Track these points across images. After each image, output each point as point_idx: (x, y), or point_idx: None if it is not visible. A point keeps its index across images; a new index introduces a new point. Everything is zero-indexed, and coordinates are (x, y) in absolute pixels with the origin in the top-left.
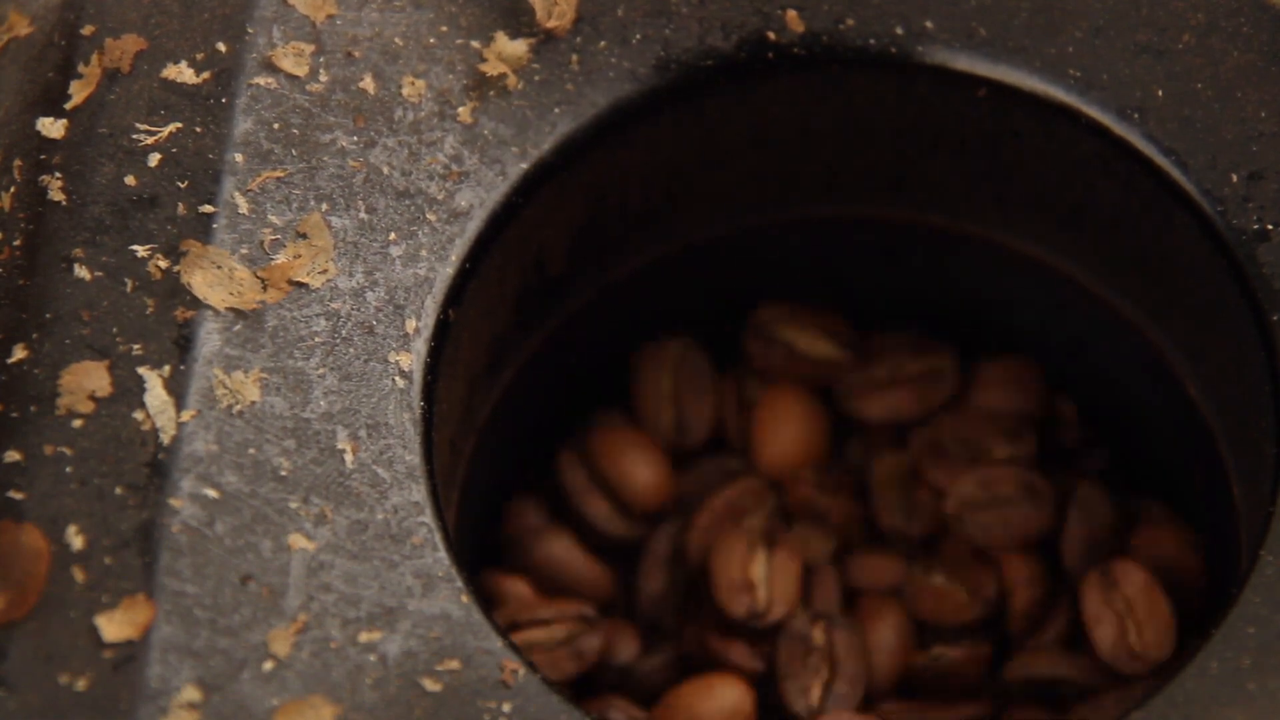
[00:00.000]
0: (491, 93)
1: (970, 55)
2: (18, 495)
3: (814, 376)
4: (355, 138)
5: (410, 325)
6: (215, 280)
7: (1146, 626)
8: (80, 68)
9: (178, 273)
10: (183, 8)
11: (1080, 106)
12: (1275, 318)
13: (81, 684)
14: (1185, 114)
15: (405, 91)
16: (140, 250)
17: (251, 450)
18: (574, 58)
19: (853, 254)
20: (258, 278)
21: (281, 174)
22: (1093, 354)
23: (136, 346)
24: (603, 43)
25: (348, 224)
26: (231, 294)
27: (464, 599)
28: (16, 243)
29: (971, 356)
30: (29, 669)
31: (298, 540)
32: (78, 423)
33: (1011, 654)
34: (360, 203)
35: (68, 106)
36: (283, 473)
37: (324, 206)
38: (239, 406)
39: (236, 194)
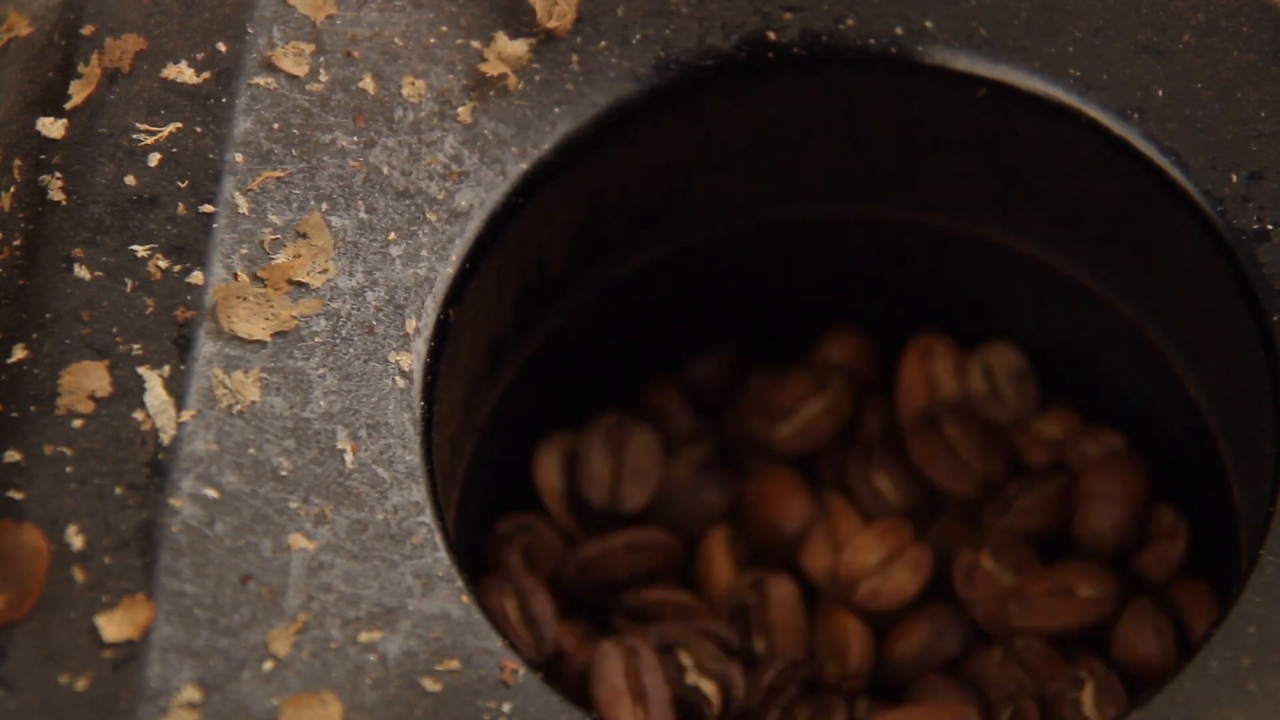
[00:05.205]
0: (491, 93)
1: (970, 55)
2: (18, 495)
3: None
4: (355, 138)
5: (410, 325)
6: (251, 313)
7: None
8: (80, 68)
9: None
10: (183, 8)
11: (1080, 106)
12: (1275, 318)
13: (81, 684)
14: (1185, 114)
15: (405, 91)
16: (140, 250)
17: (251, 450)
18: (574, 58)
19: (853, 254)
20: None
21: (281, 174)
22: (1093, 354)
23: (136, 346)
24: (603, 43)
25: (348, 224)
26: (268, 319)
27: (464, 599)
28: (16, 243)
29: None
30: (29, 669)
31: (298, 540)
32: (78, 423)
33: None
34: (360, 203)
35: (68, 106)
36: (283, 473)
37: (324, 206)
38: (239, 406)
39: (236, 194)
